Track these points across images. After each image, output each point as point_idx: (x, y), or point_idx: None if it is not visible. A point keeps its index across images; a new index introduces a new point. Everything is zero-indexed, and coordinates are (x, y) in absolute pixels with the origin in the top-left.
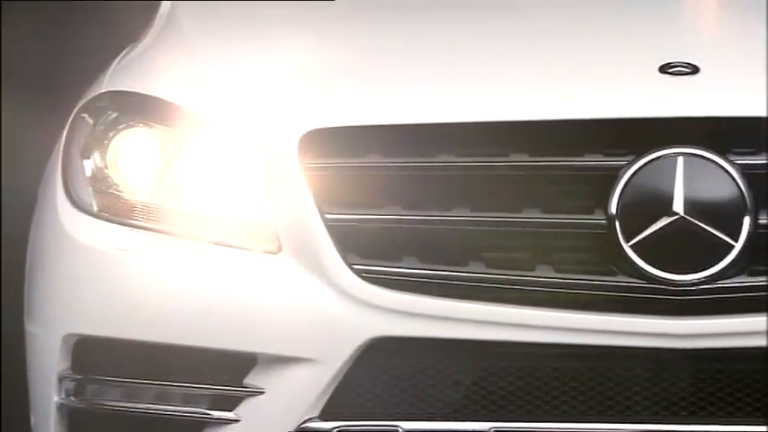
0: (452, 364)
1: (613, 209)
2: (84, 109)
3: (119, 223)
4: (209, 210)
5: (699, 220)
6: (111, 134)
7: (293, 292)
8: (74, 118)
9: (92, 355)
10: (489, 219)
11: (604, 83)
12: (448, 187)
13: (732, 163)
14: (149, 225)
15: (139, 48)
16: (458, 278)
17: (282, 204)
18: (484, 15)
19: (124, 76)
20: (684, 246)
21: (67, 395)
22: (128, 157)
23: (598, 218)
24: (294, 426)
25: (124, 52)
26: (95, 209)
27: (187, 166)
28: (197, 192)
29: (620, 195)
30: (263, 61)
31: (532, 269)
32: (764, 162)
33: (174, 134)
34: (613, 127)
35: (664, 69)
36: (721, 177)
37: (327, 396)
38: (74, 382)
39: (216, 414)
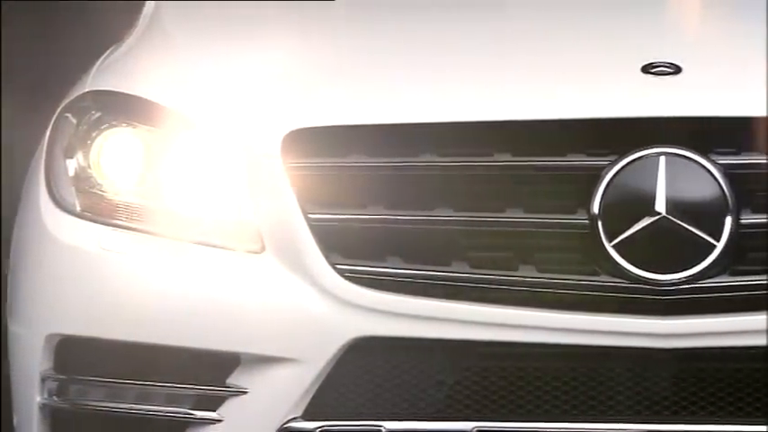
0: (436, 363)
1: (596, 209)
2: (67, 109)
3: (102, 223)
4: (192, 210)
5: (681, 220)
6: (94, 134)
7: (276, 291)
8: (57, 118)
9: (75, 355)
10: (472, 218)
11: (587, 83)
12: (431, 187)
13: (714, 163)
14: (133, 225)
15: (123, 48)
16: (441, 278)
17: (265, 204)
18: (467, 16)
19: (108, 75)
20: (667, 245)
21: (50, 395)
22: (111, 156)
23: (581, 218)
24: (277, 426)
25: (108, 52)
26: (78, 209)
27: (170, 166)
28: (180, 192)
29: (602, 195)
30: (247, 61)
31: (515, 269)
32: (746, 162)
33: (158, 134)
34: (596, 127)
35: (646, 69)
36: (703, 177)
37: (310, 396)
38: (57, 382)
39: (199, 414)
